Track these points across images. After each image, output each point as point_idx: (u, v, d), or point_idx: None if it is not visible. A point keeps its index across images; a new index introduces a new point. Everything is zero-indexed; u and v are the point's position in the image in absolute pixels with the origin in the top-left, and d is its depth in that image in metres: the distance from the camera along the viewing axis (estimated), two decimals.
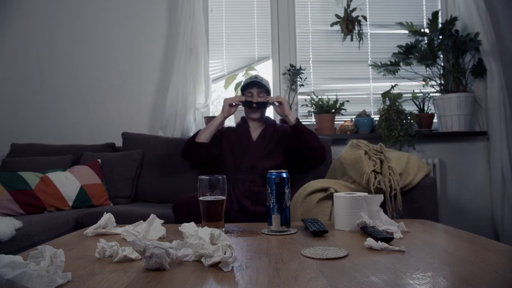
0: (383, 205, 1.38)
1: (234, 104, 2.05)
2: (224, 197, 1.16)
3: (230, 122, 2.67)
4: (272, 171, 1.17)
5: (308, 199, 1.61)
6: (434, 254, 0.89)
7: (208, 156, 2.09)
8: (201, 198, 1.15)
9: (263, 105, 2.08)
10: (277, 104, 2.02)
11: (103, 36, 2.84)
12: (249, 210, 1.74)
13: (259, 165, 1.98)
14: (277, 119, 2.41)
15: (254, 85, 2.07)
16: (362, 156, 1.78)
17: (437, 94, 2.80)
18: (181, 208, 1.70)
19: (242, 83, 2.19)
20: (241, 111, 2.31)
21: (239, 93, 2.82)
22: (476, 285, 0.67)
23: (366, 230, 1.08)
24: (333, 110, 2.72)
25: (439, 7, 2.94)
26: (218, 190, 1.15)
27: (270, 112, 2.61)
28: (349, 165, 1.82)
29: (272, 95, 2.30)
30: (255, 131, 2.12)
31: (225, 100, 2.06)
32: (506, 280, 0.71)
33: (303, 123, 2.03)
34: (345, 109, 2.76)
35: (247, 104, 2.07)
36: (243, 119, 2.20)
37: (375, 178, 1.70)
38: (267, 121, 2.17)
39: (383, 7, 2.95)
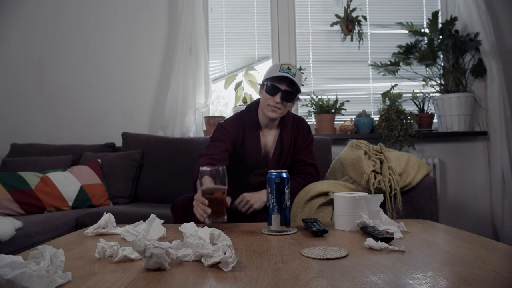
0: (383, 205, 1.38)
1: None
2: (225, 187, 1.19)
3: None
4: (272, 171, 1.17)
5: (309, 205, 1.60)
6: (434, 254, 0.89)
7: None
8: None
9: (291, 97, 1.61)
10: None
11: (103, 36, 2.84)
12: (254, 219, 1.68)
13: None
14: (294, 110, 2.01)
15: (284, 80, 1.58)
16: (362, 156, 1.78)
17: (437, 94, 2.80)
18: (178, 208, 1.69)
19: (270, 68, 1.66)
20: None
21: (239, 93, 2.83)
22: (476, 285, 0.67)
23: (366, 230, 1.08)
24: (333, 110, 2.73)
25: (439, 7, 2.94)
26: (218, 181, 1.19)
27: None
28: (349, 165, 1.82)
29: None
30: (267, 143, 1.73)
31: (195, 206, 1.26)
32: (506, 280, 0.71)
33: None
34: (345, 109, 2.76)
35: (272, 91, 1.58)
36: (256, 121, 1.71)
37: (375, 178, 1.69)
38: (284, 121, 1.74)
39: (383, 7, 2.95)
